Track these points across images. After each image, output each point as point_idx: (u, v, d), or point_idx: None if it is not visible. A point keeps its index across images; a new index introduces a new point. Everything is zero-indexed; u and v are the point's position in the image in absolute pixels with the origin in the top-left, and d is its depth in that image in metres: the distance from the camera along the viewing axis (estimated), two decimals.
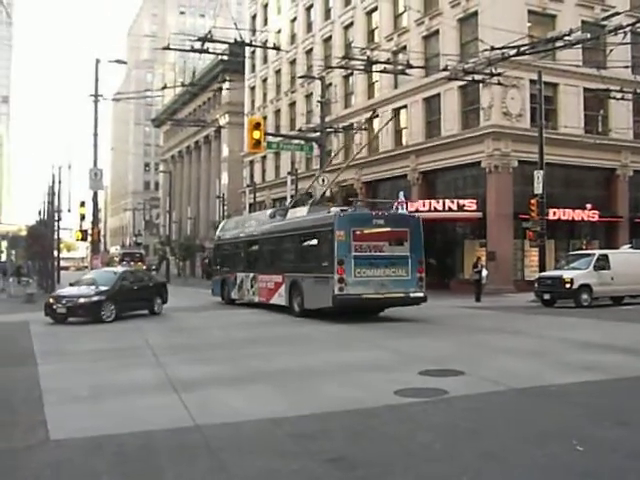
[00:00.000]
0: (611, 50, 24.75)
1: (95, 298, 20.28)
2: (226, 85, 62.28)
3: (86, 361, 12.56)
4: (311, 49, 51.15)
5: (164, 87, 33.71)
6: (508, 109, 33.62)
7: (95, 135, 32.10)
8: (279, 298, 23.03)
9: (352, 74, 42.49)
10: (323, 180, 29.49)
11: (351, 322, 19.31)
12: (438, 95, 37.25)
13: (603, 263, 25.37)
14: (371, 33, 44.20)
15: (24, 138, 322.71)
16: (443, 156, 36.46)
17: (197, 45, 23.28)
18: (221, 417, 7.75)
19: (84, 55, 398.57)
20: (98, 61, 32.31)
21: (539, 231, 28.65)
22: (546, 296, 25.58)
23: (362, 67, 27.32)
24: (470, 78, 26.18)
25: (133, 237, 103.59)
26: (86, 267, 77.20)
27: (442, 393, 8.79)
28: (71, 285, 22.89)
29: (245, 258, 27.09)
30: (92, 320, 19.77)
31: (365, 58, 28.38)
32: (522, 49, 20.43)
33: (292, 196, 33.76)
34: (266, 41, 53.64)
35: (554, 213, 33.05)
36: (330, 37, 48.78)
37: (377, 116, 39.54)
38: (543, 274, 27.02)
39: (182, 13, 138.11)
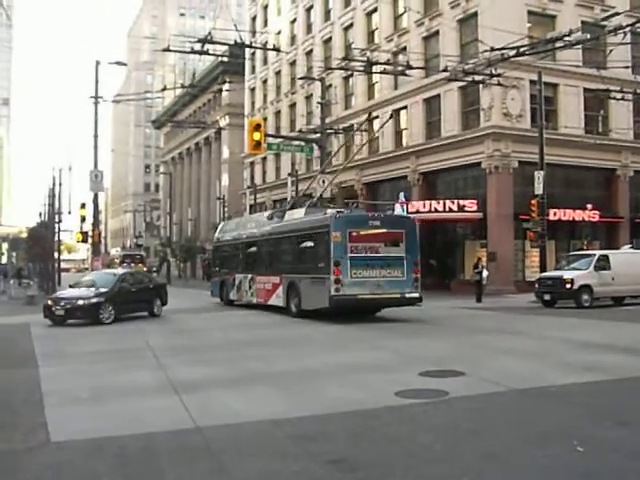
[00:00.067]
0: (611, 50, 24.75)
1: (94, 300, 20.26)
2: (226, 87, 62.29)
3: (87, 363, 12.56)
4: (311, 50, 51.17)
5: (164, 89, 33.79)
6: (508, 110, 33.61)
7: (95, 137, 32.11)
8: (277, 299, 23.20)
9: (352, 75, 42.50)
10: (323, 181, 29.53)
11: (350, 322, 19.35)
12: (438, 96, 37.25)
13: (604, 263, 25.35)
14: (371, 34, 44.21)
15: (24, 140, 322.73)
16: (443, 157, 36.46)
17: (197, 47, 23.29)
18: (222, 419, 7.75)
19: (84, 57, 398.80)
20: (98, 63, 32.33)
21: (540, 232, 28.64)
22: (547, 297, 25.56)
23: (362, 68, 27.34)
24: (470, 79, 26.20)
25: (134, 239, 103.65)
26: (87, 269, 77.34)
27: (443, 394, 8.79)
28: (70, 287, 22.90)
29: (243, 259, 27.25)
30: (91, 322, 19.76)
31: (365, 59, 28.40)
32: (522, 50, 20.43)
33: (292, 197, 33.77)
34: (266, 42, 53.67)
35: (555, 213, 33.04)
36: (330, 38, 48.79)
37: (376, 117, 39.54)
38: (543, 275, 27.00)
39: (182, 15, 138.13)
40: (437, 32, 37.59)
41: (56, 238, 42.71)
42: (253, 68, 63.11)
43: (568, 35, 19.95)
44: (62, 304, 20.16)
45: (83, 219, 38.51)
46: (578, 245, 34.43)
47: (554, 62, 32.75)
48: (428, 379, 9.87)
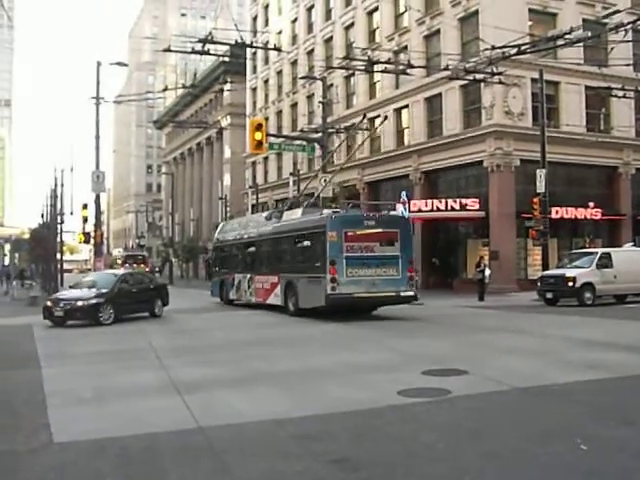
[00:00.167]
0: (612, 48, 24.74)
1: (93, 301, 20.23)
2: (227, 86, 62.30)
3: (89, 363, 12.56)
4: (312, 50, 51.16)
5: (165, 89, 33.74)
6: (510, 108, 33.60)
7: (97, 138, 32.05)
8: (275, 298, 23.50)
9: (353, 74, 42.46)
10: (325, 181, 29.58)
11: (351, 321, 19.44)
12: (439, 95, 37.23)
13: (606, 261, 25.32)
14: (372, 33, 44.20)
15: (26, 141, 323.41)
16: (445, 156, 36.45)
17: (198, 47, 23.27)
18: (224, 419, 7.74)
19: (85, 58, 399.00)
20: (99, 64, 32.27)
21: (542, 230, 28.61)
22: (549, 295, 25.55)
23: (363, 67, 27.27)
24: (471, 77, 26.13)
25: (136, 239, 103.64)
26: (89, 269, 77.36)
27: (445, 393, 8.78)
28: (71, 288, 22.89)
29: (242, 259, 27.56)
30: (90, 323, 19.74)
31: (366, 58, 28.35)
32: (523, 48, 20.39)
33: (294, 197, 33.81)
34: (267, 42, 53.73)
35: (557, 212, 33.02)
36: (331, 37, 48.79)
37: (376, 117, 39.49)
38: (546, 273, 26.98)
39: (183, 15, 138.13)
40: (438, 31, 37.58)
41: (58, 239, 42.70)
42: (254, 68, 63.12)
43: (569, 33, 19.90)
44: (61, 305, 20.14)
45: (85, 220, 38.47)
46: (580, 243, 34.42)
47: (555, 60, 32.73)
48: (430, 378, 9.87)
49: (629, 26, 19.07)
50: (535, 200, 28.69)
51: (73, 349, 15.00)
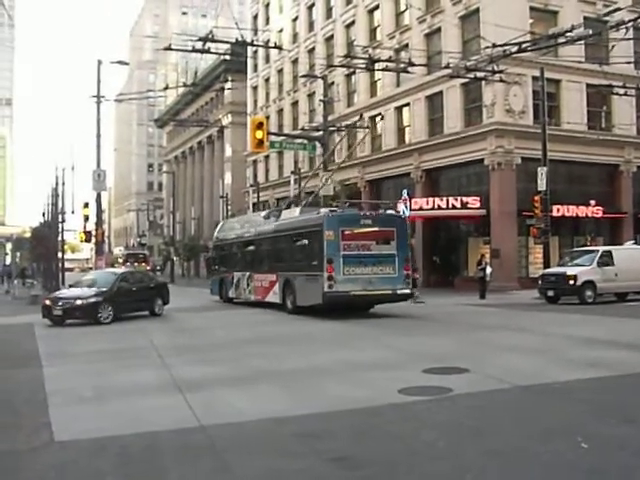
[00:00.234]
0: (613, 46, 24.71)
1: (92, 300, 20.18)
2: (228, 85, 62.30)
3: (91, 362, 12.57)
4: (313, 48, 51.15)
5: (166, 87, 33.64)
6: (511, 106, 33.58)
7: (98, 136, 32.03)
8: (273, 296, 23.72)
9: (354, 73, 42.42)
10: (326, 179, 29.63)
11: (351, 319, 19.51)
12: (440, 93, 37.21)
13: (607, 259, 25.30)
14: (373, 31, 44.19)
15: (27, 140, 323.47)
16: (446, 154, 36.43)
17: (199, 45, 23.25)
18: (225, 417, 7.75)
19: (86, 56, 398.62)
20: (100, 62, 32.26)
21: (543, 228, 28.60)
22: (550, 293, 25.54)
23: (364, 66, 27.22)
24: (472, 75, 26.08)
25: (137, 238, 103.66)
26: (91, 268, 77.38)
27: (446, 391, 8.78)
28: (70, 286, 22.86)
29: (241, 258, 27.82)
30: (89, 322, 19.71)
31: (367, 56, 28.33)
32: (524, 46, 20.34)
33: (295, 196, 33.86)
34: (268, 40, 53.69)
35: (558, 210, 32.99)
36: (332, 36, 48.77)
37: (378, 115, 39.51)
38: (547, 271, 26.98)
39: (184, 13, 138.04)
40: (439, 29, 37.56)
41: (59, 238, 42.67)
42: (255, 66, 63.09)
43: (570, 31, 19.85)
44: (60, 304, 20.09)
45: (86, 218, 38.43)
46: (581, 241, 34.41)
47: (556, 58, 32.66)
48: (431, 376, 9.87)
49: (630, 24, 19.00)
50: (536, 198, 28.68)
51: (74, 348, 15.00)
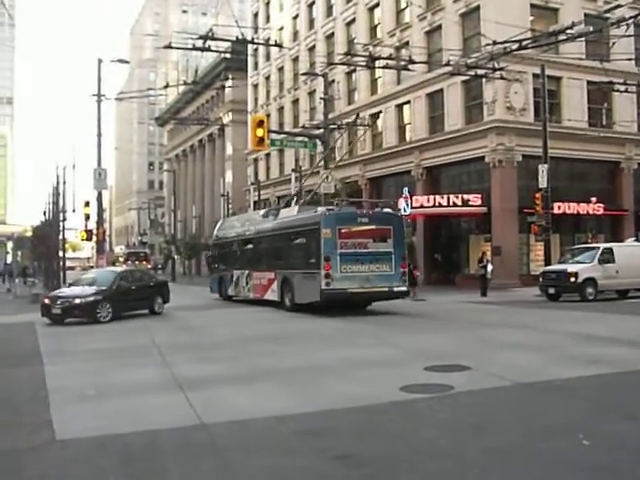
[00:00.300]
0: (614, 43, 24.62)
1: (91, 298, 20.11)
2: (229, 83, 62.23)
3: (92, 360, 12.56)
4: (313, 46, 51.13)
5: (167, 86, 33.56)
6: (511, 103, 33.56)
7: (99, 135, 32.01)
8: (272, 294, 23.92)
9: (355, 70, 42.45)
10: (327, 177, 29.66)
11: (352, 317, 19.59)
12: (441, 90, 37.21)
13: (608, 256, 25.30)
14: (373, 29, 44.18)
15: (28, 139, 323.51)
16: (447, 151, 36.43)
17: (199, 43, 23.24)
18: (227, 415, 7.74)
19: (87, 55, 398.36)
20: (101, 61, 32.23)
21: (544, 225, 28.58)
22: (551, 290, 25.53)
23: (364, 63, 27.21)
24: (473, 73, 26.08)
25: (138, 236, 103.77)
26: (92, 267, 77.42)
27: (448, 389, 8.77)
28: (70, 285, 22.84)
29: (240, 256, 27.99)
30: (88, 320, 19.67)
31: (367, 54, 28.31)
32: (525, 43, 20.34)
33: (296, 193, 33.86)
34: (268, 38, 53.65)
35: (559, 207, 33.00)
36: (332, 34, 48.76)
37: (377, 113, 39.51)
38: (548, 268, 26.96)
39: (184, 12, 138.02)
40: (439, 26, 37.54)
41: (61, 236, 42.65)
42: (256, 64, 63.08)
43: (571, 28, 19.87)
44: (59, 303, 20.04)
45: (87, 217, 38.42)
46: (582, 238, 34.39)
47: (557, 55, 32.66)
48: (433, 374, 9.86)
49: (631, 20, 19.00)
50: (537, 195, 28.66)
51: (76, 346, 15.01)
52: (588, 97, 35.70)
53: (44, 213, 52.46)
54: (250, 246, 27.17)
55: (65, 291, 21.89)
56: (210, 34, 23.01)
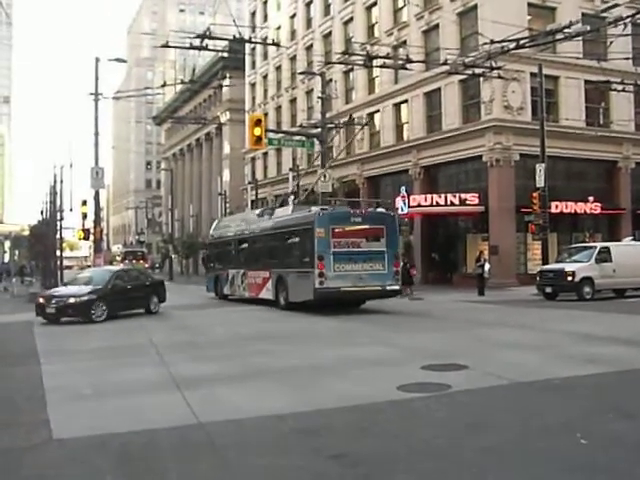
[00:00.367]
0: (611, 42, 24.63)
1: (85, 298, 20.04)
2: (226, 82, 62.03)
3: (90, 360, 12.56)
4: (311, 45, 51.10)
5: (164, 85, 33.53)
6: (509, 102, 33.57)
7: (96, 134, 31.98)
8: (267, 292, 24.13)
9: (352, 69, 42.45)
10: (325, 176, 29.66)
11: (344, 315, 19.69)
12: (439, 89, 37.21)
13: (605, 256, 25.31)
14: (371, 28, 44.15)
15: (25, 138, 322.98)
16: (444, 150, 36.44)
17: (197, 42, 23.23)
18: (224, 414, 7.73)
19: (84, 54, 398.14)
20: (98, 60, 32.19)
21: (541, 224, 28.62)
22: (548, 289, 25.55)
23: (362, 62, 27.21)
24: (470, 72, 26.10)
25: (135, 235, 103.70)
26: (89, 266, 77.36)
27: (445, 388, 8.77)
28: (66, 284, 22.80)
29: (236, 255, 28.24)
30: (83, 320, 19.62)
31: (365, 53, 28.30)
32: (522, 42, 20.34)
33: (294, 192, 33.85)
34: (266, 37, 53.65)
35: (556, 206, 33.02)
36: (330, 33, 48.73)
37: (375, 112, 39.50)
38: (545, 267, 26.98)
39: (182, 11, 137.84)
40: (437, 25, 37.54)
41: (58, 235, 42.67)
42: (253, 63, 63.05)
43: (568, 27, 19.88)
44: (54, 302, 20.00)
45: (85, 216, 38.39)
46: (580, 237, 34.43)
47: (554, 54, 32.67)
48: (430, 373, 9.85)
49: (628, 20, 19.02)
50: (534, 195, 28.70)
51: (73, 345, 15.02)
52: (585, 96, 35.72)
53: (41, 212, 52.47)
54: (245, 245, 27.40)
55: (60, 290, 21.88)
56: (208, 33, 23.01)
